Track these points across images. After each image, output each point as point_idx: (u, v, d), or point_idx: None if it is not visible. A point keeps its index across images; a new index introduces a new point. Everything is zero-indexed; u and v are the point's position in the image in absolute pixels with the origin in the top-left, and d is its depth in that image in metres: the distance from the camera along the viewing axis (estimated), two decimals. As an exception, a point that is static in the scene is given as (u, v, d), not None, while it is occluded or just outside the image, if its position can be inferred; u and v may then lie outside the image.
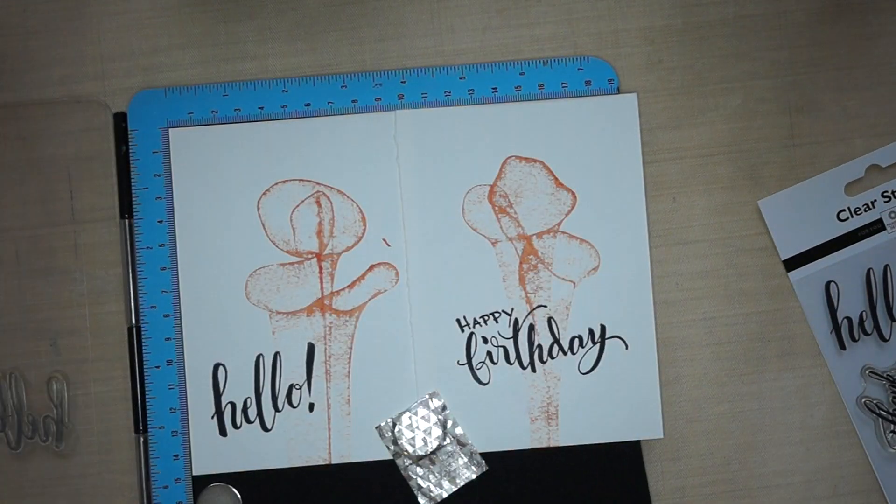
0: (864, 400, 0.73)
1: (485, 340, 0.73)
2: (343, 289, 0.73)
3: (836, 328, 0.74)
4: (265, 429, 0.73)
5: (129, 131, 0.74)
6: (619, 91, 0.74)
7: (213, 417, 0.73)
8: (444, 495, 0.72)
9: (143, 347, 0.73)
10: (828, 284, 0.74)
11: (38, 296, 0.74)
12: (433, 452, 0.72)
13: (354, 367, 0.73)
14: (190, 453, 0.73)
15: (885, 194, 0.74)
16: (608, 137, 0.73)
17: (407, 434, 0.72)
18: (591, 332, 0.72)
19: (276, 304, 0.73)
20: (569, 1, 0.75)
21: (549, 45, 0.75)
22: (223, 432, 0.73)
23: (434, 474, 0.72)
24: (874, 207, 0.74)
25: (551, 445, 0.72)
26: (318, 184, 0.73)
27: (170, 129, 0.74)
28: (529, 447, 0.72)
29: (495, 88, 0.74)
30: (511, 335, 0.73)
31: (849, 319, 0.74)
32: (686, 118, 0.75)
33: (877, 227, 0.74)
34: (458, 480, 0.72)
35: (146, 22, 0.75)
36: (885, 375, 0.73)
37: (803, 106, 0.75)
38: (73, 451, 0.74)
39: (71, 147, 0.74)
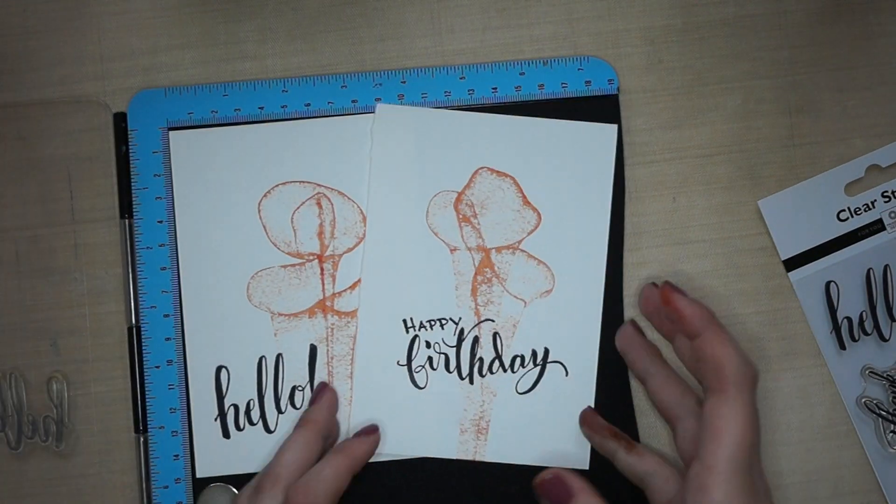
0: (864, 400, 0.73)
1: (428, 345, 0.72)
2: (345, 290, 0.73)
3: (836, 328, 0.74)
4: (268, 430, 0.73)
5: (129, 131, 0.74)
6: (619, 91, 0.74)
7: (216, 420, 0.73)
8: None
9: (143, 347, 0.73)
10: (828, 284, 0.74)
11: (38, 296, 0.74)
12: None
13: (357, 367, 0.73)
14: (190, 453, 0.73)
15: (885, 194, 0.74)
16: (583, 164, 0.72)
17: None
18: (534, 353, 0.72)
19: (277, 305, 0.73)
20: (569, 1, 0.75)
21: (549, 45, 0.75)
22: (226, 434, 0.73)
23: None
24: (874, 207, 0.74)
25: (476, 459, 0.72)
26: (318, 185, 0.73)
27: (170, 129, 0.74)
28: (455, 457, 0.72)
29: (495, 88, 0.74)
30: (455, 344, 0.72)
31: (849, 319, 0.74)
32: (686, 118, 0.75)
33: (877, 227, 0.74)
34: None
35: (146, 22, 0.75)
36: (885, 375, 0.73)
37: (803, 106, 0.75)
38: (73, 451, 0.74)
39: (71, 147, 0.74)
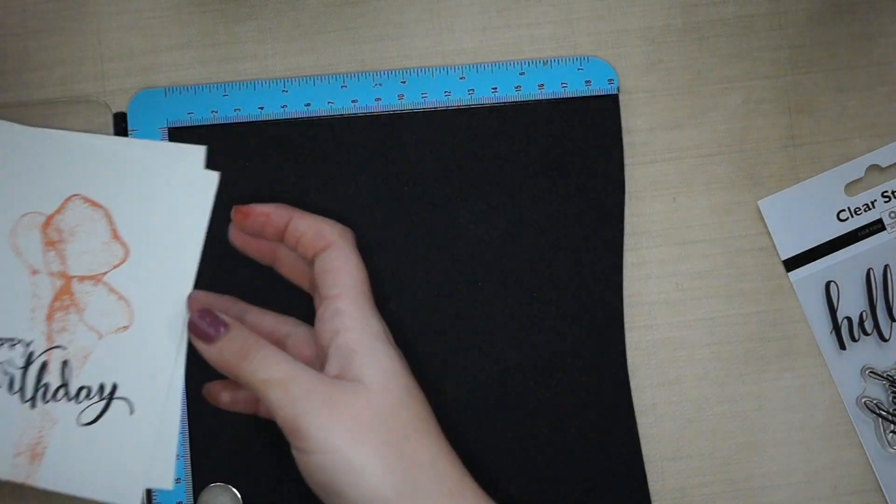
0: (864, 400, 0.73)
1: None
2: None
3: (836, 328, 0.74)
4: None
5: (129, 131, 0.74)
6: (619, 91, 0.74)
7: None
8: None
9: (141, 348, 0.73)
10: (828, 284, 0.74)
11: (38, 296, 0.74)
12: None
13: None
14: (190, 453, 0.73)
15: (885, 194, 0.74)
16: (178, 205, 0.70)
17: None
18: (101, 387, 0.70)
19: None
20: (569, 1, 0.75)
21: (549, 45, 0.75)
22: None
23: None
24: (874, 207, 0.74)
25: (28, 483, 0.69)
26: None
27: (170, 130, 0.74)
28: (6, 479, 0.70)
29: (495, 88, 0.74)
30: (22, 365, 0.70)
31: (849, 319, 0.74)
32: (686, 118, 0.75)
33: (877, 227, 0.74)
34: None
35: (146, 22, 0.75)
36: (885, 375, 0.73)
37: (803, 106, 0.75)
38: (71, 451, 0.74)
39: (71, 147, 0.74)
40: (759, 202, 0.74)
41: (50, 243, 0.70)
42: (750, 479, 0.74)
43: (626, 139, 0.74)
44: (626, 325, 0.74)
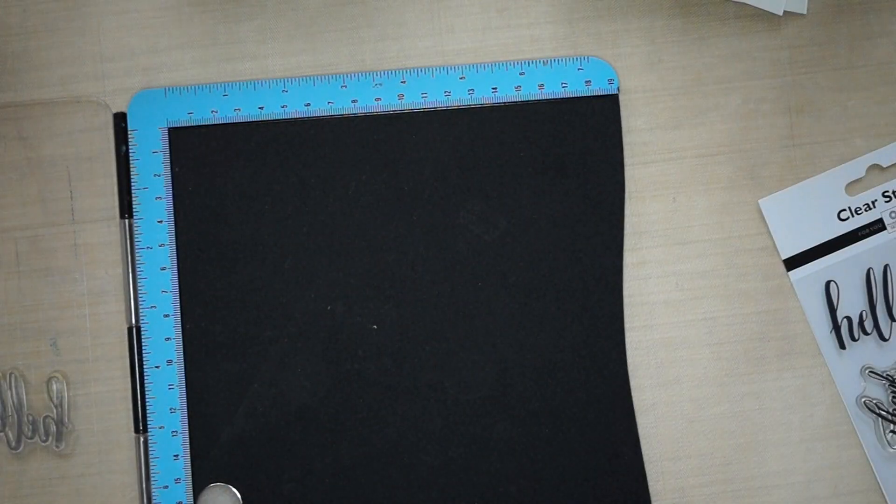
0: (864, 400, 0.73)
1: None
2: None
3: (836, 328, 0.74)
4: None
5: (129, 131, 0.74)
6: (619, 91, 0.74)
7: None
8: None
9: (143, 347, 0.73)
10: (828, 284, 0.74)
11: (38, 296, 0.74)
12: None
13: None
14: (190, 453, 0.73)
15: (886, 194, 0.74)
16: None
17: None
18: None
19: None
20: (569, 1, 0.75)
21: (549, 45, 0.75)
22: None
23: None
24: (874, 207, 0.74)
25: None
26: None
27: (170, 130, 0.74)
28: None
29: (495, 88, 0.74)
30: None
31: (849, 319, 0.74)
32: (686, 118, 0.75)
33: (877, 226, 0.74)
34: None
35: (146, 22, 0.75)
36: (885, 375, 0.73)
37: (803, 106, 0.75)
38: (73, 451, 0.74)
39: (71, 147, 0.74)
40: (759, 202, 0.74)
41: None
42: (750, 479, 0.74)
43: (626, 139, 0.74)
44: (626, 325, 0.74)
